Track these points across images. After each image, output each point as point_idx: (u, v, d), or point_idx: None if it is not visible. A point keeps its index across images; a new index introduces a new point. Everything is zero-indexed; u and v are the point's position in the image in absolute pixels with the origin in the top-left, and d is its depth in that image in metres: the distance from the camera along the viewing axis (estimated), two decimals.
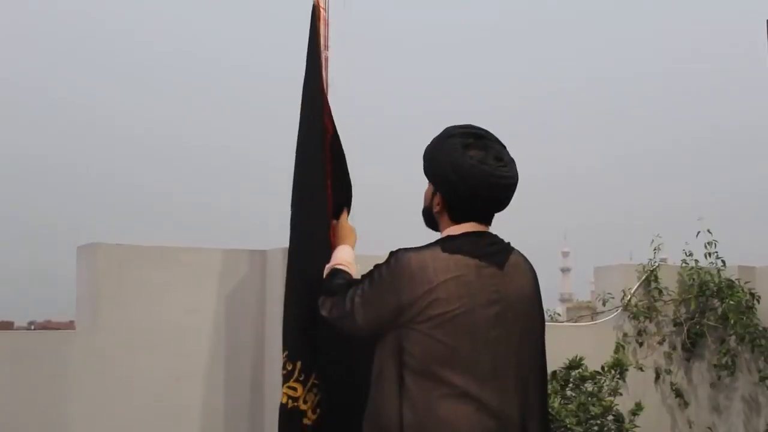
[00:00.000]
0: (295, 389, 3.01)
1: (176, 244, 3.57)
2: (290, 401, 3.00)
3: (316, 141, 3.17)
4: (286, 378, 3.01)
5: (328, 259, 2.96)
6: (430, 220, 2.71)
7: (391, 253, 2.53)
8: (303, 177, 3.17)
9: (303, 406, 3.01)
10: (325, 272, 2.86)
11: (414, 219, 2.78)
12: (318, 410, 3.02)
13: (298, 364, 3.02)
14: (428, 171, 2.65)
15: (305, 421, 3.02)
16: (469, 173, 2.51)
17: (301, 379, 3.01)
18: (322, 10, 3.27)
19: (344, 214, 3.17)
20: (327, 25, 3.33)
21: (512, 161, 2.63)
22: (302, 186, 3.17)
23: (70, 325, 4.11)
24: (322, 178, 3.15)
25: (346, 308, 2.57)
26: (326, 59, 3.35)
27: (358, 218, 3.25)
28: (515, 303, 2.54)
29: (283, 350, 3.06)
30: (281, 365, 3.05)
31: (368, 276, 2.58)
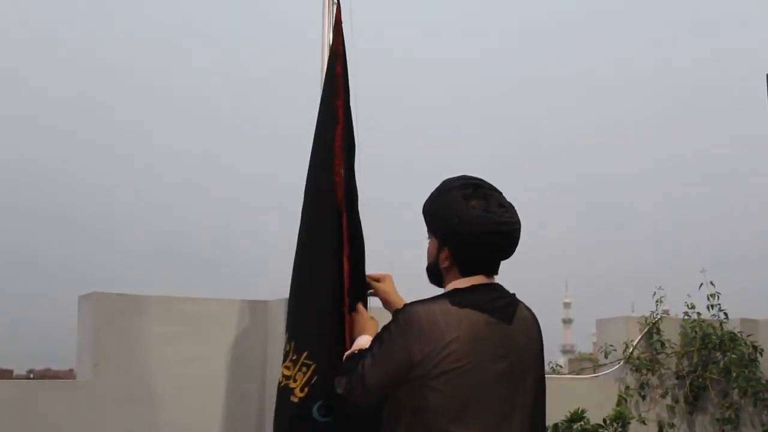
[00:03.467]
0: (288, 368, 3.10)
1: (177, 294, 3.57)
2: (284, 379, 3.09)
3: (327, 135, 3.26)
4: (284, 358, 3.13)
5: (334, 248, 3.11)
6: (436, 276, 2.68)
7: (398, 310, 2.52)
8: (313, 160, 3.28)
9: (292, 384, 3.07)
10: (344, 358, 2.83)
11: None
12: (306, 389, 3.05)
13: (293, 344, 3.11)
14: (433, 226, 2.64)
15: (292, 398, 3.07)
16: (476, 223, 2.50)
17: (293, 358, 3.09)
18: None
19: (361, 306, 3.15)
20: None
21: (512, 206, 2.63)
22: (311, 172, 3.27)
23: (70, 374, 4.10)
24: (329, 170, 3.22)
25: (357, 375, 2.53)
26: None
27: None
28: (522, 357, 2.53)
29: (285, 332, 3.18)
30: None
31: (377, 338, 2.55)
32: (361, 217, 3.28)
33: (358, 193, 3.30)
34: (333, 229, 3.18)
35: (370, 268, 3.22)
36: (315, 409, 3.06)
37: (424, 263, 2.71)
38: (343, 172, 3.24)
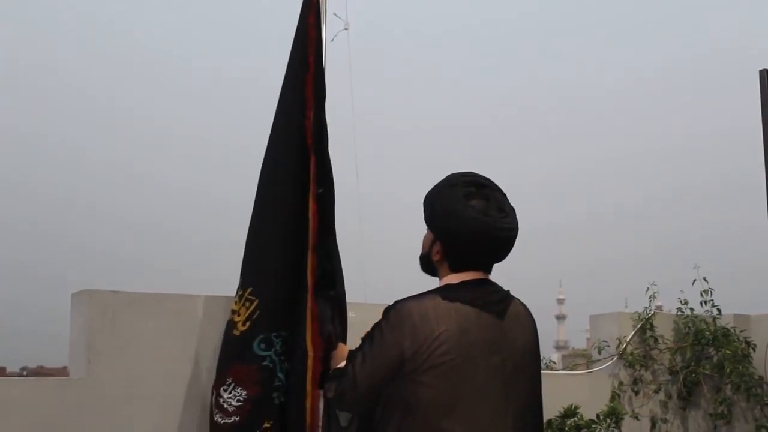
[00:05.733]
0: (236, 303, 3.29)
1: (170, 290, 3.57)
2: (231, 314, 3.30)
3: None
4: (235, 294, 3.34)
5: (300, 187, 3.30)
6: (428, 266, 2.70)
7: (388, 307, 2.52)
8: (281, 106, 3.40)
9: (236, 318, 3.27)
10: (330, 372, 2.85)
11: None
12: (248, 323, 3.24)
13: (240, 281, 3.32)
14: (429, 220, 2.64)
15: (234, 331, 3.27)
16: (471, 225, 2.50)
17: (239, 293, 3.29)
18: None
19: (340, 344, 3.27)
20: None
21: (513, 211, 2.62)
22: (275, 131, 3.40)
23: (63, 372, 4.09)
24: (300, 113, 3.35)
25: (348, 376, 2.54)
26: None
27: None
28: (515, 353, 2.53)
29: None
30: None
31: (367, 337, 2.55)
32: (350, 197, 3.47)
33: (356, 181, 3.47)
34: (300, 169, 3.32)
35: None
36: (256, 343, 3.23)
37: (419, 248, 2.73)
38: (312, 116, 3.36)
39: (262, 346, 3.23)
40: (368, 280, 3.49)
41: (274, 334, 3.24)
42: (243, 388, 3.21)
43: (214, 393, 3.27)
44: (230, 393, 3.22)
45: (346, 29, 3.51)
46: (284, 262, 3.29)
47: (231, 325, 3.29)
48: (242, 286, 3.30)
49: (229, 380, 3.23)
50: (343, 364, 2.80)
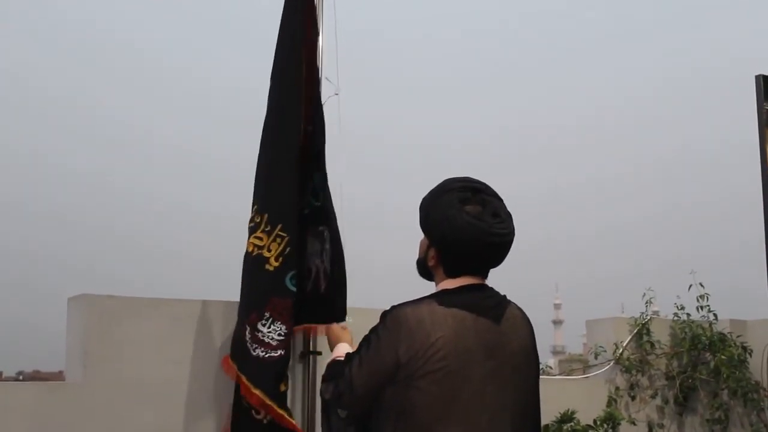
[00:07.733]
0: (261, 239, 3.31)
1: (167, 295, 3.56)
2: (255, 249, 3.30)
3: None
4: (253, 230, 3.33)
5: (297, 117, 3.40)
6: (425, 271, 2.69)
7: (385, 312, 2.51)
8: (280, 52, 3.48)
9: (266, 254, 3.29)
10: (327, 366, 2.84)
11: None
12: (280, 259, 3.28)
13: (266, 216, 3.32)
14: (424, 225, 2.64)
15: (267, 267, 3.28)
16: (465, 232, 2.49)
17: (267, 229, 3.30)
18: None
19: (333, 325, 3.33)
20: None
21: (509, 216, 2.60)
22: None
23: (59, 376, 4.08)
24: (298, 57, 3.44)
25: (345, 378, 2.53)
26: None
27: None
28: (512, 357, 2.52)
29: (253, 204, 3.38)
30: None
31: (365, 340, 2.55)
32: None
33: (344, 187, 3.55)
34: (297, 111, 3.42)
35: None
36: (288, 278, 3.28)
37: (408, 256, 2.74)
38: (304, 69, 3.45)
39: (294, 281, 3.29)
40: (352, 290, 3.52)
41: (297, 271, 3.33)
42: (282, 323, 3.25)
43: (248, 328, 3.27)
44: (269, 327, 3.24)
45: (336, 94, 3.57)
46: (297, 198, 3.38)
47: (261, 259, 3.30)
48: (270, 221, 3.31)
49: (268, 314, 3.25)
50: (338, 355, 2.84)
